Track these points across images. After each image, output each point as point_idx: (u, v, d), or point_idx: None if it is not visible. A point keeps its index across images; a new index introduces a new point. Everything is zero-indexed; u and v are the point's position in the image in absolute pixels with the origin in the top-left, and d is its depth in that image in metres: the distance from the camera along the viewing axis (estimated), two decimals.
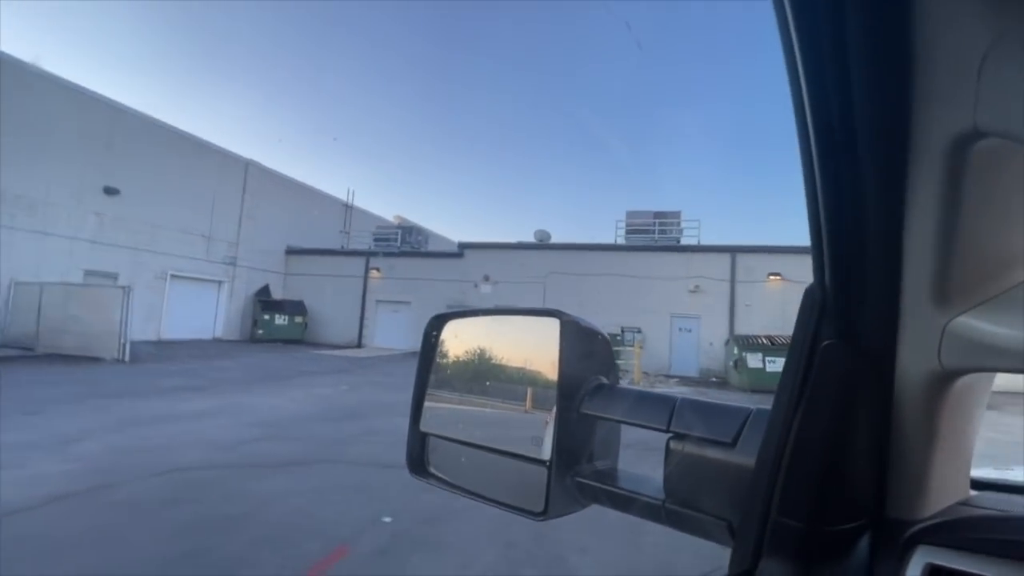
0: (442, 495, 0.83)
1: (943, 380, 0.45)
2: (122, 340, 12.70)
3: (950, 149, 0.36)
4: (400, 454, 0.71)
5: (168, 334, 19.03)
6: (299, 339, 22.13)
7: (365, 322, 23.29)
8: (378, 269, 23.36)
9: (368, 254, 23.83)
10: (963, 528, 0.46)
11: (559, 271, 20.47)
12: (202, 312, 20.97)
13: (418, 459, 0.70)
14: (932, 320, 0.43)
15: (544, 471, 0.54)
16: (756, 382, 14.31)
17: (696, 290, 18.81)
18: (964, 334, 0.42)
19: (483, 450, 0.62)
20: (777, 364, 14.40)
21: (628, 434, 0.60)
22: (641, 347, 17.87)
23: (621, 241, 21.04)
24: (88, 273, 16.38)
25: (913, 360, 0.45)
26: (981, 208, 0.39)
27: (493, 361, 0.66)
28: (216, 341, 20.75)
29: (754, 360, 14.60)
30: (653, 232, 20.69)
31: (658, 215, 21.12)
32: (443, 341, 0.72)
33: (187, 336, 19.81)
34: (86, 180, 16.29)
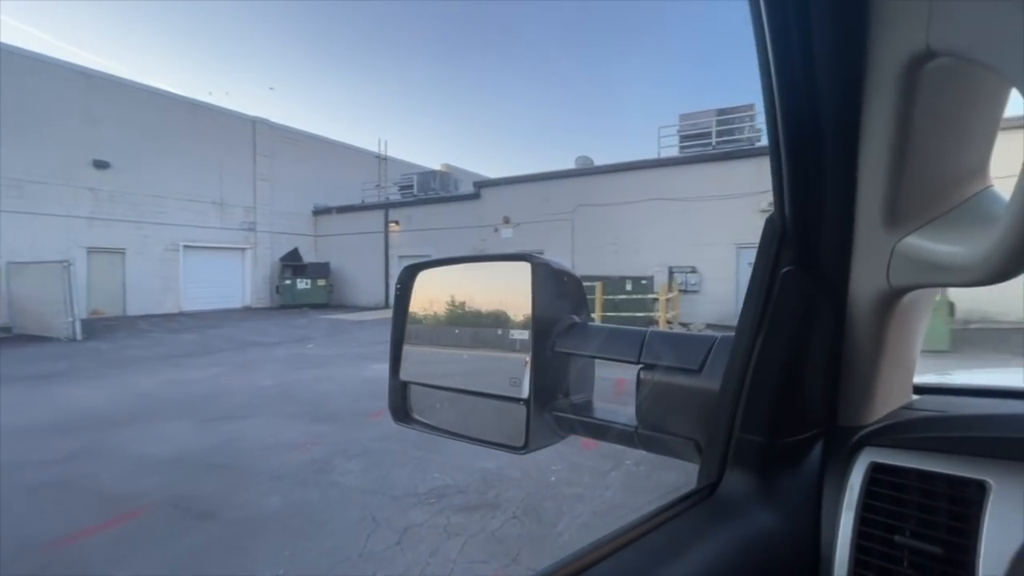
0: None
1: (891, 297, 0.47)
2: (70, 318, 11.93)
3: (904, 70, 0.36)
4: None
5: (190, 305, 18.88)
6: (325, 303, 21.00)
7: (390, 280, 21.44)
8: (397, 222, 21.12)
9: (386, 206, 21.66)
10: (903, 429, 0.49)
11: (589, 203, 16.30)
12: (227, 281, 20.65)
13: (400, 407, 0.70)
14: (882, 242, 0.45)
15: (523, 408, 0.57)
16: None
17: (771, 208, 13.52)
18: (910, 254, 0.43)
19: (463, 393, 0.64)
20: None
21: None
22: (681, 291, 13.46)
23: (670, 156, 16.03)
24: (92, 250, 16.33)
25: (864, 281, 0.48)
26: (932, 129, 0.39)
27: (468, 307, 0.66)
28: (246, 310, 20.40)
29: None
30: (711, 138, 15.38)
31: (722, 112, 15.64)
32: (416, 290, 0.71)
33: (213, 307, 19.60)
34: (72, 156, 15.90)
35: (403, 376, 0.70)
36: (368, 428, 5.32)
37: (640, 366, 0.55)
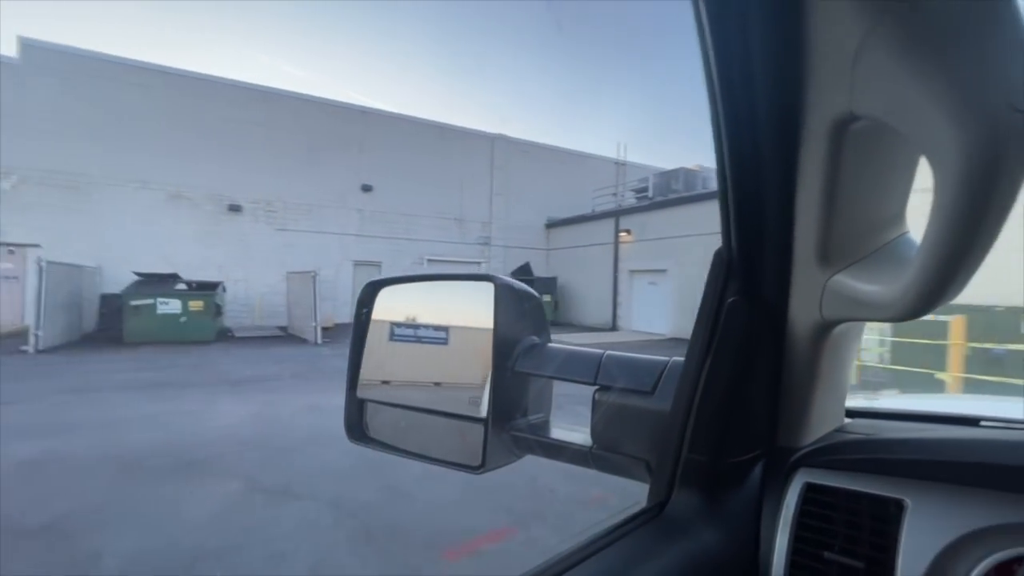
0: None
1: (824, 328, 0.51)
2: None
3: (831, 129, 0.41)
4: None
5: None
6: (549, 320, 19.51)
7: (619, 299, 18.58)
8: (628, 231, 18.17)
9: (616, 214, 18.95)
10: (836, 451, 0.54)
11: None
12: None
13: (356, 425, 0.71)
14: (816, 278, 0.49)
15: (481, 427, 0.57)
16: None
17: None
18: (839, 290, 0.47)
19: (421, 412, 0.65)
20: None
21: None
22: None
23: None
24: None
25: (801, 312, 0.52)
26: (856, 180, 0.44)
27: (429, 325, 0.67)
28: None
29: None
30: None
31: None
32: (378, 308, 0.71)
33: None
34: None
35: (360, 394, 0.70)
36: None
37: (596, 387, 0.57)
